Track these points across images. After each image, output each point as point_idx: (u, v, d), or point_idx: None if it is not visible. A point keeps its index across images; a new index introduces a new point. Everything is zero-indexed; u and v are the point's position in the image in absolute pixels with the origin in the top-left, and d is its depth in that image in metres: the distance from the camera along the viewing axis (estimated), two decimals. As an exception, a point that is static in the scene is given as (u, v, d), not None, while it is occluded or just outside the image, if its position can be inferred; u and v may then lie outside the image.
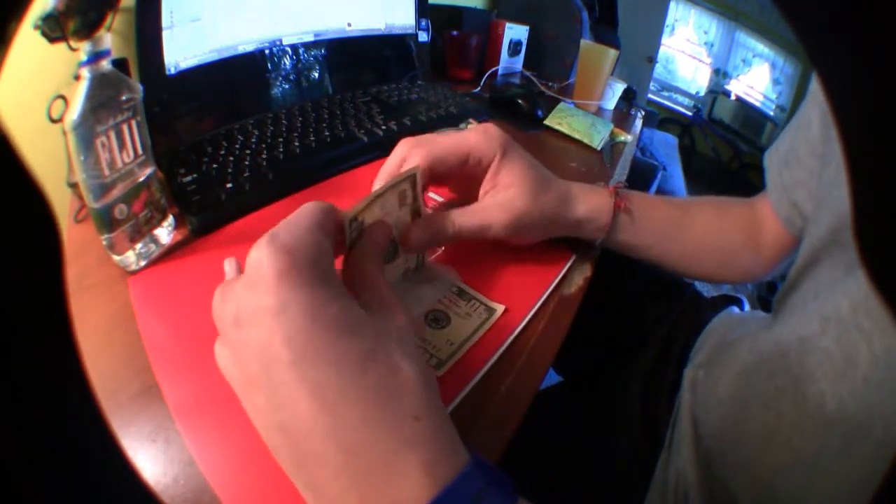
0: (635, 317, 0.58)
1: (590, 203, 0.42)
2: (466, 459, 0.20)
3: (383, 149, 0.59)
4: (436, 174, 0.37)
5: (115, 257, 0.36)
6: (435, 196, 0.48)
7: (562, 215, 0.41)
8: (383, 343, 0.22)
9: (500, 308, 0.37)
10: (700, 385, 0.45)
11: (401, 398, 0.20)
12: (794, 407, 0.34)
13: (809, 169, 0.43)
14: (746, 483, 0.36)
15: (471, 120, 0.70)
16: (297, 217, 0.24)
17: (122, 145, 0.34)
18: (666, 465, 0.45)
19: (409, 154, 0.36)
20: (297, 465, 0.20)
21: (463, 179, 0.40)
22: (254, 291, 0.21)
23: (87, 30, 0.31)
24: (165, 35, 0.50)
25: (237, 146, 0.51)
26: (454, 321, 0.35)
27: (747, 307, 0.58)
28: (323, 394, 0.19)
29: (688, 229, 0.47)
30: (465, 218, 0.37)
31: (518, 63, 1.15)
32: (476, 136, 0.37)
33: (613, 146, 0.83)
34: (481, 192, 0.39)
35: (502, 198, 0.38)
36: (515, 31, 1.09)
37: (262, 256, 0.21)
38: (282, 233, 0.22)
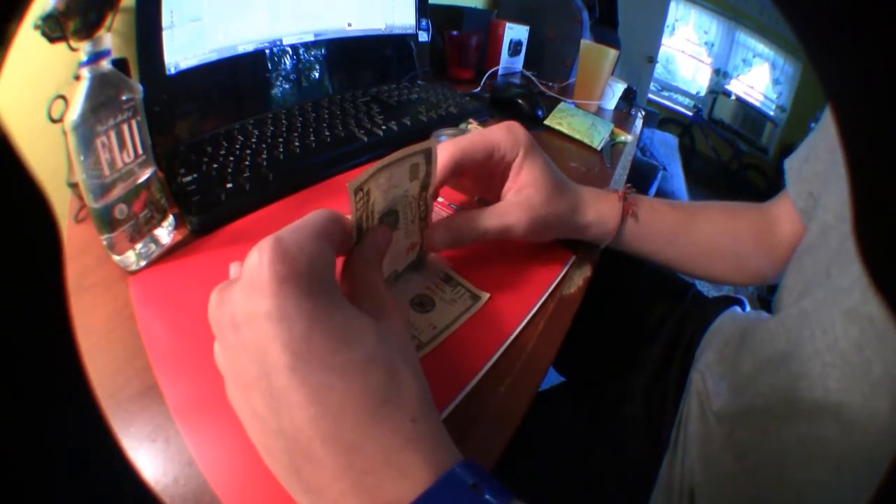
0: (638, 317, 0.59)
1: (599, 209, 0.43)
2: (460, 458, 0.21)
3: (383, 149, 0.59)
4: (461, 168, 0.37)
5: (116, 257, 0.36)
6: (442, 208, 0.48)
7: (573, 219, 0.42)
8: (385, 349, 0.22)
9: (485, 296, 0.37)
10: (707, 386, 0.46)
11: (400, 401, 0.21)
12: (797, 404, 0.35)
13: (826, 162, 0.44)
14: (753, 481, 0.37)
15: (471, 120, 0.70)
16: (303, 224, 0.24)
17: (122, 145, 0.34)
18: (671, 464, 0.45)
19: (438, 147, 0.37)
20: (293, 470, 0.20)
21: (484, 175, 0.40)
22: (251, 296, 0.20)
23: (87, 30, 0.31)
24: (165, 35, 0.50)
25: (237, 146, 0.51)
26: (439, 306, 0.36)
27: (748, 308, 0.58)
28: (323, 398, 0.19)
29: (695, 233, 0.47)
30: (491, 219, 0.38)
31: (518, 63, 1.15)
32: (502, 133, 0.38)
33: (613, 146, 0.83)
34: (504, 189, 0.40)
35: (522, 197, 0.39)
36: (516, 31, 1.09)
37: (262, 261, 0.21)
38: (285, 238, 0.22)
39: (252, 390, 0.20)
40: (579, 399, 0.59)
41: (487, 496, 0.19)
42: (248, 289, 0.21)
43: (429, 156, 0.32)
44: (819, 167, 0.45)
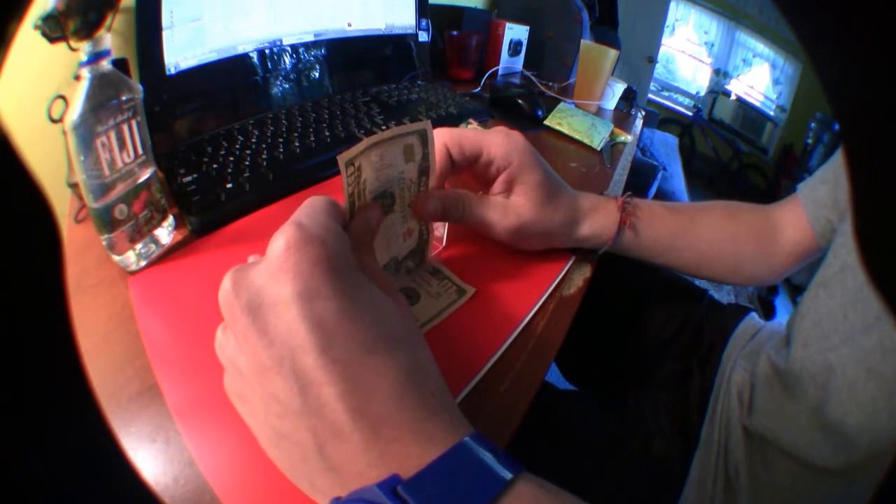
0: (654, 324, 0.59)
1: (596, 221, 0.43)
2: (473, 430, 0.22)
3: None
4: (451, 158, 0.37)
5: (115, 257, 0.36)
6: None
7: (567, 232, 0.42)
8: (406, 328, 0.23)
9: (470, 290, 0.37)
10: (742, 397, 0.47)
11: (422, 376, 0.22)
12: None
13: (843, 189, 0.44)
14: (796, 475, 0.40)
15: (471, 120, 0.70)
16: (316, 208, 0.24)
17: (122, 145, 0.34)
18: (705, 463, 0.46)
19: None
20: (315, 449, 0.20)
21: (479, 177, 0.40)
22: (277, 279, 0.21)
23: (87, 30, 0.31)
24: (165, 35, 0.50)
25: (237, 146, 0.50)
26: (423, 299, 0.36)
27: (755, 316, 0.58)
28: (353, 374, 0.20)
29: (695, 238, 0.47)
30: (476, 207, 0.38)
31: (518, 63, 1.15)
32: (497, 139, 0.38)
33: (613, 146, 0.83)
34: (492, 190, 0.40)
35: (511, 203, 0.39)
36: (515, 31, 1.09)
37: (290, 245, 0.21)
38: (307, 223, 0.22)
39: (270, 373, 0.20)
40: (602, 406, 0.58)
41: (506, 459, 0.20)
42: (274, 272, 0.21)
43: (424, 137, 0.32)
44: (839, 194, 0.45)
